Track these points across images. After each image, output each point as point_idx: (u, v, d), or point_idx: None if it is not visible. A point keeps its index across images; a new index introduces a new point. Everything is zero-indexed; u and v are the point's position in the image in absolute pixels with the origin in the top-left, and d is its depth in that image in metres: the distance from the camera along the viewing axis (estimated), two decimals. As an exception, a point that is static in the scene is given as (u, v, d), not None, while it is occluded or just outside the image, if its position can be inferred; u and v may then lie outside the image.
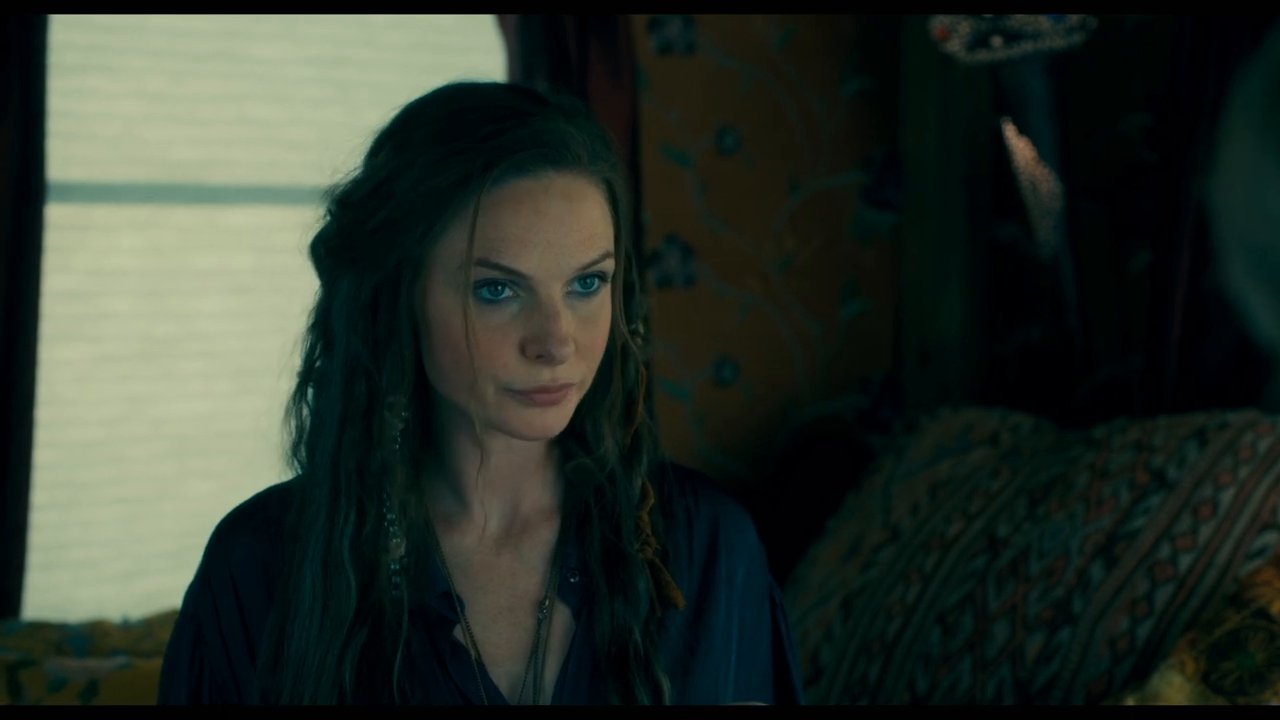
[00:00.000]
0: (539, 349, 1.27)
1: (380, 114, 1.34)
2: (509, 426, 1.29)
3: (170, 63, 2.87)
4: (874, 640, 2.66)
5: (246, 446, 2.89)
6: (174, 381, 2.90)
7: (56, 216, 2.72)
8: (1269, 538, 2.41)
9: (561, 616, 1.36)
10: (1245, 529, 2.43)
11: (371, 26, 3.03)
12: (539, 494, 1.39)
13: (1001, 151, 3.17)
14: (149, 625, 2.63)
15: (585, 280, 1.29)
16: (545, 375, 1.27)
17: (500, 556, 1.37)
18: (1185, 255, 2.80)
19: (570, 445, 1.39)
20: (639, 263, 3.03)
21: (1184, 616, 2.37)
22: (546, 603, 1.36)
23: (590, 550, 1.36)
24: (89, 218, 2.82)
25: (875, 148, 3.46)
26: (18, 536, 2.60)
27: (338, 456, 1.31)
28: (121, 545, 2.87)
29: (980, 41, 2.99)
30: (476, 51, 3.06)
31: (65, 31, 2.72)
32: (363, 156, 1.33)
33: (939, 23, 3.03)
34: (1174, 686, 2.17)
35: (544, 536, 1.38)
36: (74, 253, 2.80)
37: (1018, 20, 2.95)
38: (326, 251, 1.33)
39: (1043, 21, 2.93)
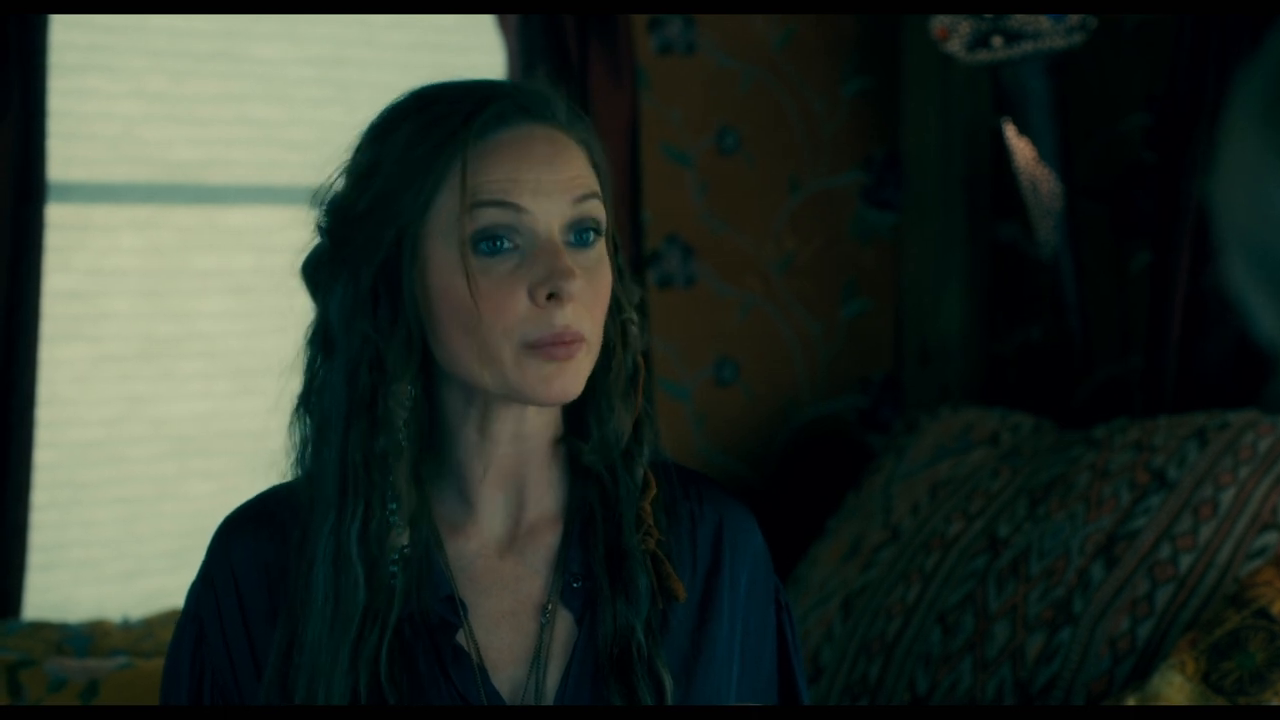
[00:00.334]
0: (549, 287, 1.28)
1: (378, 113, 1.36)
2: (527, 389, 1.29)
3: (170, 63, 2.87)
4: (874, 640, 2.66)
5: (247, 446, 2.89)
6: (174, 381, 2.90)
7: (57, 216, 2.72)
8: (1269, 538, 2.41)
9: (564, 622, 1.35)
10: (1246, 529, 2.43)
11: (372, 26, 3.03)
12: (544, 497, 1.38)
13: (1001, 151, 3.17)
14: (149, 625, 2.63)
15: (581, 233, 1.31)
16: (558, 319, 1.28)
17: (504, 561, 1.37)
18: (1185, 255, 2.80)
19: (575, 443, 1.38)
20: (639, 257, 3.04)
21: (1184, 616, 2.37)
22: (549, 607, 1.35)
23: (594, 553, 1.36)
24: (89, 218, 2.82)
25: (875, 148, 3.46)
26: (18, 536, 2.60)
27: (345, 451, 1.31)
28: (122, 545, 2.87)
29: (980, 41, 2.99)
30: (476, 51, 3.06)
31: (65, 31, 2.72)
32: (344, 164, 1.35)
33: (939, 23, 3.03)
34: (1174, 686, 2.17)
35: (547, 540, 1.38)
36: (74, 252, 2.80)
37: (1018, 20, 2.95)
38: (318, 266, 1.35)
39: (1043, 21, 2.93)
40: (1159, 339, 2.85)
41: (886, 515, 2.87)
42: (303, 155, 2.88)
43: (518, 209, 1.29)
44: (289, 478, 1.37)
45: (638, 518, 1.36)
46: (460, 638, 1.34)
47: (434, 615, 1.33)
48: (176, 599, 2.73)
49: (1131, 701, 2.18)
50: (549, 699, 1.34)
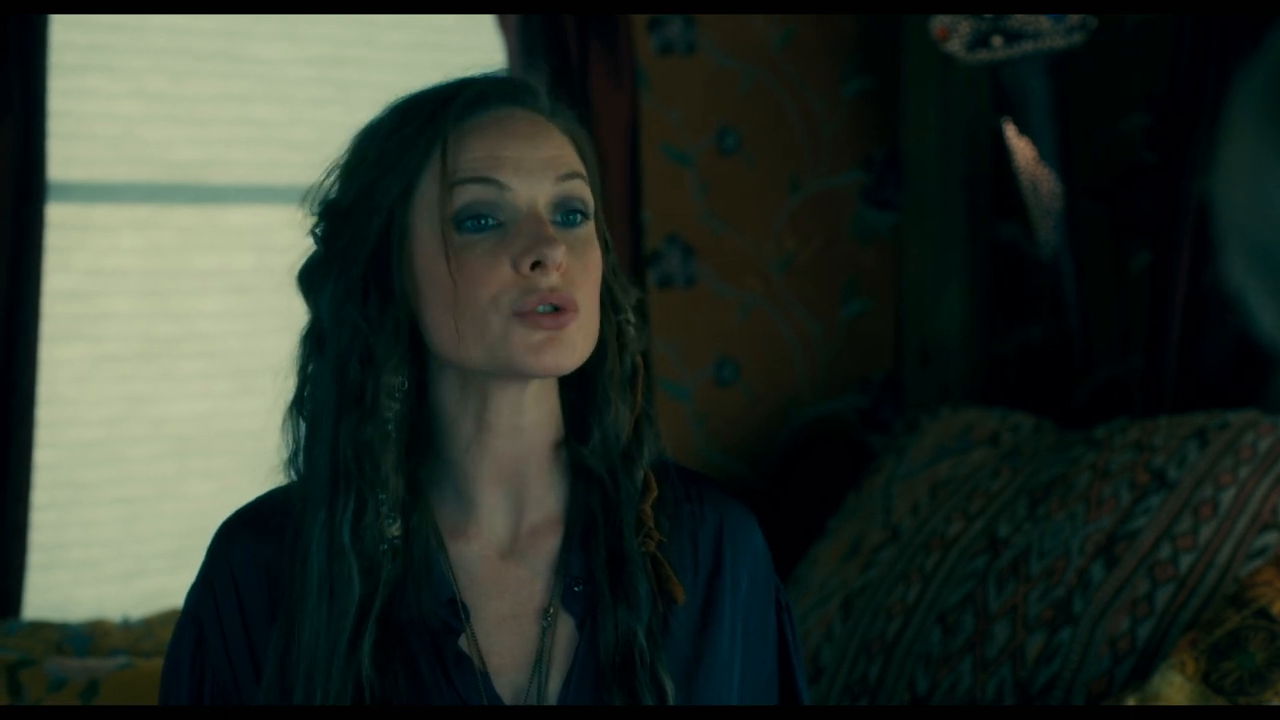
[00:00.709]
0: (533, 255, 1.27)
1: (371, 116, 1.37)
2: (517, 359, 1.28)
3: (170, 62, 2.87)
4: (874, 640, 2.66)
5: (247, 447, 2.88)
6: (174, 381, 2.90)
7: (57, 216, 2.72)
8: (1269, 538, 2.41)
9: (565, 626, 1.35)
10: (1246, 529, 2.43)
11: (372, 26, 3.03)
12: (544, 498, 1.37)
13: (1002, 151, 3.17)
14: (149, 625, 2.63)
15: (567, 213, 1.31)
16: (543, 283, 1.27)
17: (505, 564, 1.36)
18: (1185, 255, 2.80)
19: (576, 445, 1.38)
20: (639, 257, 3.04)
21: (1184, 616, 2.37)
22: (550, 611, 1.35)
23: (595, 557, 1.35)
24: (89, 217, 2.82)
25: (875, 148, 3.46)
26: (18, 536, 2.60)
27: (336, 444, 1.31)
28: (121, 545, 2.87)
29: (980, 41, 2.99)
30: (477, 51, 3.06)
31: (65, 31, 2.72)
32: (332, 166, 1.37)
33: (939, 22, 3.03)
34: (1174, 686, 2.17)
35: (548, 544, 1.37)
36: (74, 252, 2.80)
37: (1018, 20, 2.95)
38: (311, 270, 1.36)
39: (1043, 21, 2.93)
40: (1159, 339, 2.85)
41: (886, 515, 2.87)
42: (303, 155, 2.88)
43: (499, 185, 1.29)
44: (282, 480, 1.37)
45: (638, 520, 1.35)
46: (462, 642, 1.33)
47: (436, 619, 1.33)
48: (176, 599, 2.73)
49: (1131, 701, 2.18)
50: (551, 704, 1.33)
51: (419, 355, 1.34)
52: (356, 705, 1.29)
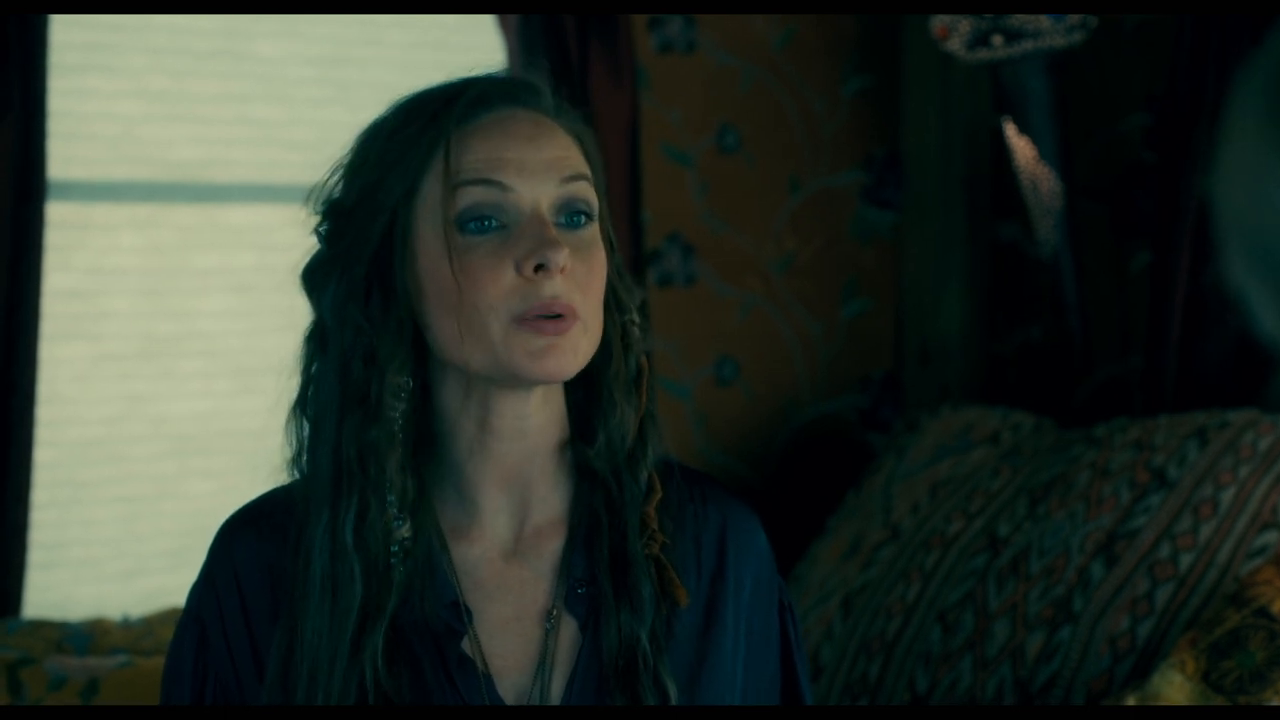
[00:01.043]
0: (536, 259, 1.26)
1: (378, 113, 1.36)
2: (517, 365, 1.27)
3: (171, 61, 2.87)
4: (874, 639, 2.66)
5: (247, 446, 2.87)
6: (174, 380, 2.90)
7: (57, 215, 2.72)
8: (1269, 537, 2.41)
9: (568, 628, 1.34)
10: (1246, 528, 2.43)
11: (373, 25, 3.03)
12: (548, 500, 1.37)
13: (1002, 151, 3.17)
14: (149, 624, 2.63)
15: (571, 215, 1.31)
16: (546, 289, 1.26)
17: (509, 565, 1.36)
18: (1185, 255, 2.80)
19: (581, 448, 1.37)
20: (639, 256, 3.04)
21: (1184, 615, 2.37)
22: (554, 613, 1.34)
23: (599, 560, 1.34)
24: (89, 216, 2.82)
25: (876, 147, 3.47)
26: (18, 535, 2.60)
27: (339, 444, 1.31)
28: (122, 544, 2.87)
29: (980, 40, 2.99)
30: (478, 51, 3.06)
31: (65, 31, 2.72)
32: (336, 165, 1.36)
33: (939, 21, 3.03)
34: (1174, 685, 2.17)
35: (552, 545, 1.36)
36: (74, 251, 2.80)
37: (1018, 19, 2.95)
38: (315, 269, 1.35)
39: (1043, 20, 2.94)
40: (1159, 338, 2.85)
41: (887, 514, 2.87)
42: (303, 155, 2.88)
43: (502, 187, 1.29)
44: (286, 479, 1.36)
45: (642, 523, 1.35)
46: (465, 644, 1.33)
47: (438, 621, 1.32)
48: (176, 598, 2.73)
49: (1131, 700, 2.18)
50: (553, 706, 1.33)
51: (423, 355, 1.34)
52: (360, 705, 1.29)
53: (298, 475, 1.35)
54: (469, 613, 1.33)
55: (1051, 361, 3.27)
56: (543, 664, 1.33)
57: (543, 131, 1.32)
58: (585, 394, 1.37)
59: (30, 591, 2.70)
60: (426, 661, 1.32)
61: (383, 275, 1.32)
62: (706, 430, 3.31)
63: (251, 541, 1.36)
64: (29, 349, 2.59)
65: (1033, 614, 2.49)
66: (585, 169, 1.33)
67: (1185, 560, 2.43)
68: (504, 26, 2.97)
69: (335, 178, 1.35)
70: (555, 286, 1.27)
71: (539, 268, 1.26)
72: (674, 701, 1.32)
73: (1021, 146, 3.07)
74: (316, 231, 1.36)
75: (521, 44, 2.95)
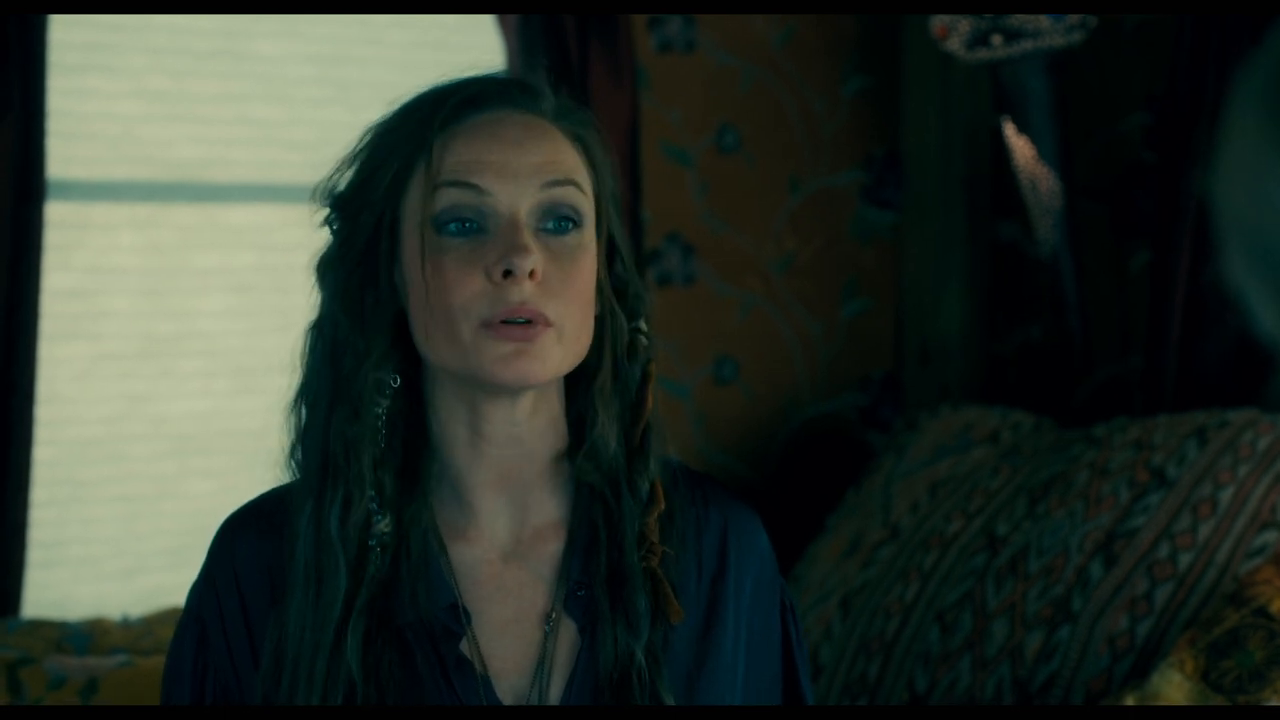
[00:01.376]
0: (503, 265, 1.26)
1: (381, 112, 1.37)
2: (486, 369, 1.27)
3: (170, 61, 2.87)
4: (873, 639, 2.66)
5: (247, 445, 2.89)
6: (174, 380, 2.90)
7: (56, 214, 2.72)
8: (1268, 536, 2.41)
9: (568, 631, 1.34)
10: (1245, 527, 2.43)
11: (373, 25, 3.02)
12: (547, 504, 1.36)
13: (1001, 151, 3.17)
14: (149, 623, 2.63)
15: (557, 220, 1.30)
16: (513, 295, 1.26)
17: (507, 567, 1.35)
18: (1185, 255, 2.80)
19: (578, 457, 1.37)
20: (639, 256, 3.04)
21: (1183, 615, 2.37)
22: (553, 616, 1.34)
23: (596, 573, 1.34)
24: (89, 216, 2.82)
25: (875, 147, 3.47)
26: (17, 534, 2.60)
27: (326, 438, 1.31)
28: (121, 543, 2.87)
29: (980, 40, 2.99)
30: (478, 50, 3.06)
31: (65, 30, 2.72)
32: (340, 158, 1.37)
33: (939, 21, 3.03)
34: (1173, 685, 2.17)
35: (551, 548, 1.36)
36: (74, 251, 2.80)
37: (1017, 18, 2.95)
38: (321, 259, 1.36)
39: (1042, 20, 2.94)
40: (1159, 338, 2.85)
41: (886, 513, 2.87)
42: (303, 154, 2.88)
43: (478, 190, 1.28)
44: (285, 477, 1.36)
45: (641, 535, 1.34)
46: (463, 646, 1.32)
47: (437, 623, 1.32)
48: (176, 597, 2.72)
49: (1130, 700, 2.18)
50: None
51: (414, 353, 1.34)
52: (348, 703, 1.29)
53: (294, 467, 1.35)
54: (467, 614, 1.33)
55: (1051, 361, 3.27)
56: (541, 666, 1.33)
57: (531, 135, 1.31)
58: (586, 403, 1.37)
59: (30, 591, 2.70)
60: (423, 662, 1.31)
61: (373, 270, 1.32)
62: (706, 430, 3.31)
63: (251, 541, 1.36)
64: (29, 348, 2.59)
65: (1031, 613, 2.49)
66: (576, 174, 1.32)
67: (1184, 560, 2.43)
68: (504, 26, 2.97)
69: (338, 172, 1.35)
70: (523, 292, 1.26)
71: (506, 273, 1.26)
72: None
73: (1021, 146, 3.07)
74: (326, 224, 1.36)
75: (521, 44, 2.95)
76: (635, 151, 3.04)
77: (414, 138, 1.31)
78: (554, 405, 1.35)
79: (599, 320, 1.35)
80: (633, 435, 1.37)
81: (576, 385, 1.36)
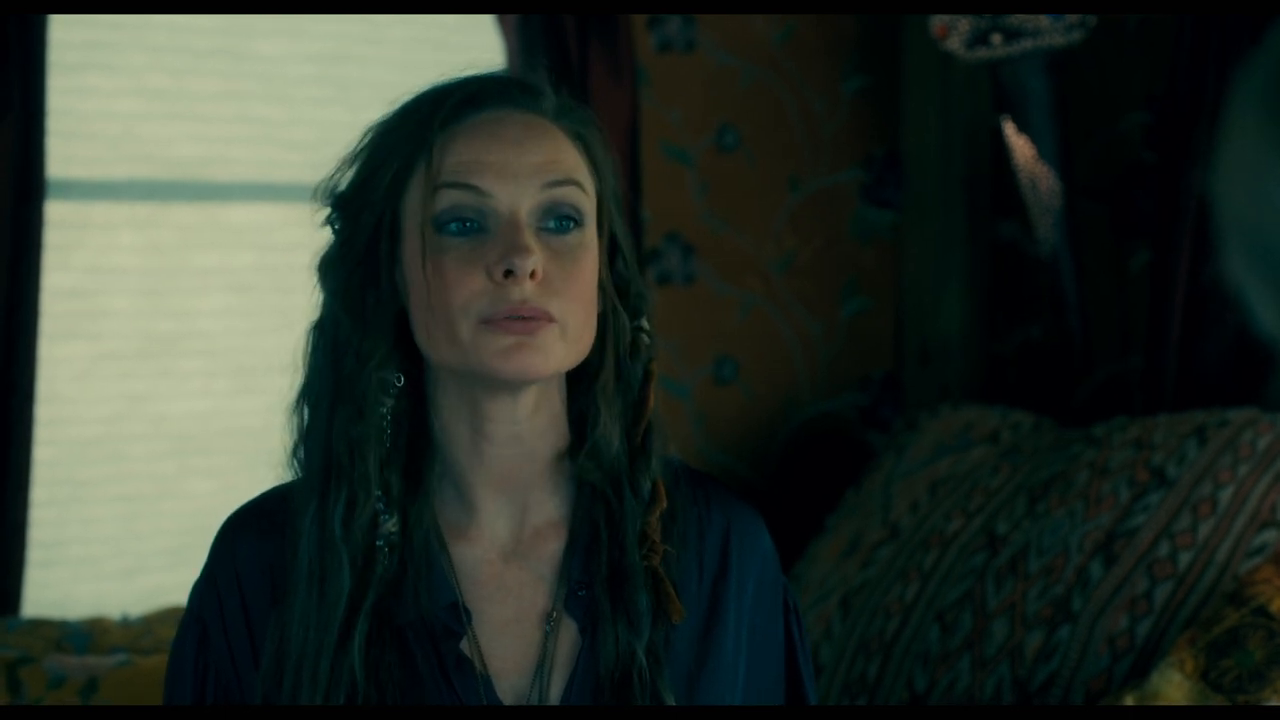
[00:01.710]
0: (504, 264, 1.26)
1: (381, 112, 1.37)
2: (486, 364, 1.27)
3: (170, 60, 2.87)
4: (873, 638, 2.66)
5: (247, 445, 2.89)
6: (174, 379, 2.90)
7: (56, 214, 2.72)
8: (1268, 535, 2.41)
9: (568, 631, 1.34)
10: (1245, 527, 2.43)
11: (373, 23, 3.02)
12: (548, 503, 1.36)
13: (1001, 150, 3.17)
14: (149, 623, 2.63)
15: (559, 219, 1.30)
16: (514, 294, 1.26)
17: (508, 566, 1.35)
18: (1185, 254, 2.80)
19: (581, 458, 1.36)
20: (638, 255, 3.03)
21: (1183, 614, 2.37)
22: (553, 615, 1.34)
23: (597, 572, 1.34)
24: (89, 215, 2.82)
25: (875, 146, 3.47)
26: (17, 534, 2.60)
27: (329, 439, 1.31)
28: (121, 543, 2.87)
29: (980, 39, 2.99)
30: (479, 49, 3.06)
31: (65, 29, 2.72)
32: (342, 157, 1.37)
33: (939, 20, 3.03)
34: (1173, 684, 2.17)
35: (552, 548, 1.36)
36: (74, 250, 2.80)
37: (1017, 17, 2.95)
38: (323, 258, 1.36)
39: (1042, 19, 2.94)
40: (1159, 338, 2.85)
41: (886, 513, 2.87)
42: (303, 153, 2.88)
43: (479, 191, 1.28)
44: (287, 476, 1.36)
45: (642, 535, 1.34)
46: (464, 645, 1.32)
47: (437, 622, 1.32)
48: (176, 597, 2.73)
49: (1130, 700, 2.18)
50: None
51: (416, 352, 1.34)
52: (350, 702, 1.29)
53: (296, 467, 1.35)
54: (468, 613, 1.33)
55: (1051, 361, 3.27)
56: (542, 666, 1.33)
57: (531, 134, 1.31)
58: (588, 402, 1.37)
59: (29, 590, 2.70)
60: (423, 661, 1.31)
61: (375, 270, 1.32)
62: (706, 429, 3.31)
63: (253, 540, 1.36)
64: (28, 348, 2.59)
65: (1031, 613, 2.49)
66: (577, 173, 1.32)
67: (1184, 559, 2.43)
68: (504, 26, 2.97)
69: (339, 171, 1.35)
70: (524, 291, 1.26)
71: (507, 273, 1.26)
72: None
73: (1021, 146, 3.07)
74: (328, 223, 1.36)
75: (521, 43, 2.95)
76: (635, 151, 3.04)
77: (414, 138, 1.31)
78: (555, 404, 1.35)
79: (601, 319, 1.35)
80: (634, 434, 1.37)
81: (578, 384, 1.36)
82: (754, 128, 3.34)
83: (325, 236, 1.37)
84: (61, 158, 2.72)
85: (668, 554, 1.35)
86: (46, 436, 2.73)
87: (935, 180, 3.41)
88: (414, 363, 1.34)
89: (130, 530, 2.87)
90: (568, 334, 1.29)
